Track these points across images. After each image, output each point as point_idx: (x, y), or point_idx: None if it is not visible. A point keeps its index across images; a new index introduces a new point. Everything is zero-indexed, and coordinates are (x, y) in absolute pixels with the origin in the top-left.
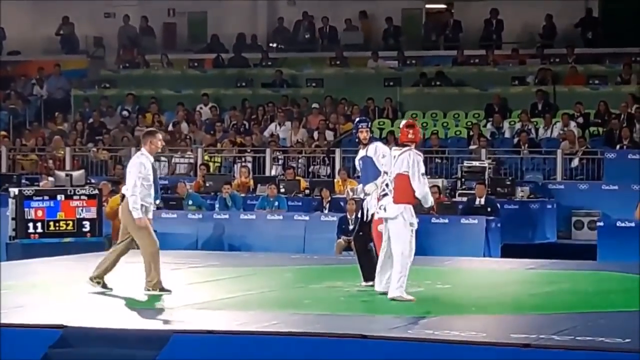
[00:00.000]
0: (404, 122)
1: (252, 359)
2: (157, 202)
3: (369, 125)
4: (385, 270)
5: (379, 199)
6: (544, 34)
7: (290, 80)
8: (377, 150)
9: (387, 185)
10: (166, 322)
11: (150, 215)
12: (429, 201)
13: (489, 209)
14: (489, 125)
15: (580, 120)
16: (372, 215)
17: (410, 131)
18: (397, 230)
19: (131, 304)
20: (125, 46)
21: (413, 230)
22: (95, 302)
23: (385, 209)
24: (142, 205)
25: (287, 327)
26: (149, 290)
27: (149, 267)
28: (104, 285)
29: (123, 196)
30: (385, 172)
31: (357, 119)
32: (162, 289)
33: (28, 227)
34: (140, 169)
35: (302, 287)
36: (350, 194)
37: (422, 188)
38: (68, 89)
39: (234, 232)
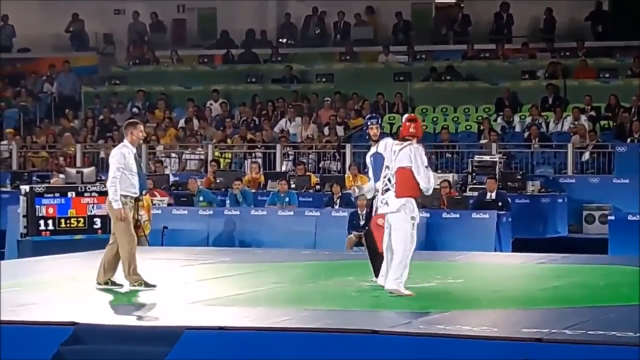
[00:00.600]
0: (406, 116)
1: (263, 355)
2: (144, 192)
3: (379, 122)
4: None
5: (382, 194)
6: (545, 28)
7: (300, 76)
8: (386, 147)
9: (389, 180)
10: (178, 318)
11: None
12: (431, 190)
13: (499, 204)
14: (499, 120)
15: (591, 113)
16: (376, 209)
17: (412, 125)
18: (398, 224)
19: (142, 300)
20: (135, 42)
21: (415, 224)
22: (106, 299)
23: (387, 203)
24: (126, 195)
25: (298, 323)
26: (134, 285)
27: (127, 265)
28: (114, 284)
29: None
30: (387, 167)
31: (368, 116)
32: (147, 284)
33: (39, 225)
34: (120, 160)
35: (313, 283)
36: (357, 190)
37: (427, 180)
38: (78, 86)
39: (244, 228)
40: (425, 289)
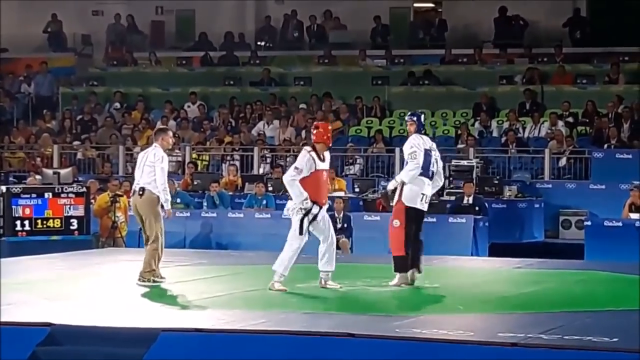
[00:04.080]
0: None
1: (239, 358)
2: None
3: (414, 118)
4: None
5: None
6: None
7: (278, 79)
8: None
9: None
10: (154, 320)
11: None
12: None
13: (476, 208)
14: (476, 124)
15: (569, 119)
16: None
17: (313, 132)
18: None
19: (119, 301)
20: (113, 44)
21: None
22: (82, 300)
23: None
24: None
25: (275, 325)
26: (145, 281)
27: (153, 259)
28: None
29: (142, 190)
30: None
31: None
32: (162, 277)
33: (16, 225)
34: (165, 163)
35: (290, 286)
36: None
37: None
38: (55, 87)
39: (221, 231)
40: (402, 293)
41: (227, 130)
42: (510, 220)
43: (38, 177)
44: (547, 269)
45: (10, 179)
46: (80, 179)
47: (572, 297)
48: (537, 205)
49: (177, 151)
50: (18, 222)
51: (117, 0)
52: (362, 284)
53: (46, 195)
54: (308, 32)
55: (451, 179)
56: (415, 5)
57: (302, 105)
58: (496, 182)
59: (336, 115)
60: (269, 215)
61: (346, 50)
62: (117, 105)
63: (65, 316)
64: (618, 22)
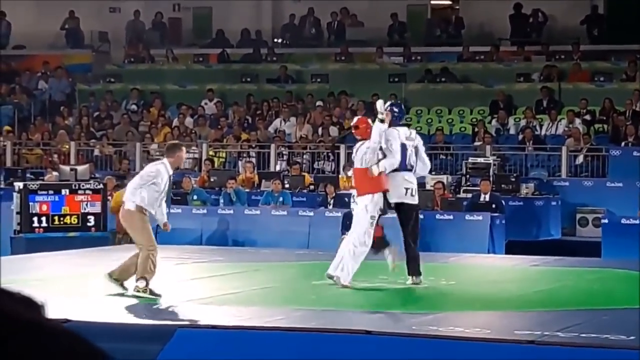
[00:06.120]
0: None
1: (256, 354)
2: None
3: (395, 108)
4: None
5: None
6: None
7: (295, 76)
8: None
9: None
10: (170, 316)
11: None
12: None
13: (493, 206)
14: (493, 122)
15: (586, 117)
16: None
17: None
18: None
19: (136, 298)
20: (131, 41)
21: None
22: (99, 297)
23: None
24: (147, 210)
25: (291, 322)
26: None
27: (145, 269)
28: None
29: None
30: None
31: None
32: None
33: (33, 222)
34: (151, 173)
35: (306, 283)
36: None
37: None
38: (73, 85)
39: (238, 228)
40: (419, 290)
41: (244, 127)
42: (527, 217)
43: (55, 173)
44: (563, 267)
45: (28, 175)
46: (97, 175)
47: (589, 295)
48: (554, 203)
49: (194, 148)
50: (35, 219)
51: None
52: (379, 282)
53: (63, 191)
54: (325, 29)
55: (468, 176)
56: (433, 2)
57: (319, 103)
58: (513, 179)
59: (353, 112)
60: (285, 213)
61: (363, 47)
62: (134, 107)
63: (82, 312)
64: (636, 19)
